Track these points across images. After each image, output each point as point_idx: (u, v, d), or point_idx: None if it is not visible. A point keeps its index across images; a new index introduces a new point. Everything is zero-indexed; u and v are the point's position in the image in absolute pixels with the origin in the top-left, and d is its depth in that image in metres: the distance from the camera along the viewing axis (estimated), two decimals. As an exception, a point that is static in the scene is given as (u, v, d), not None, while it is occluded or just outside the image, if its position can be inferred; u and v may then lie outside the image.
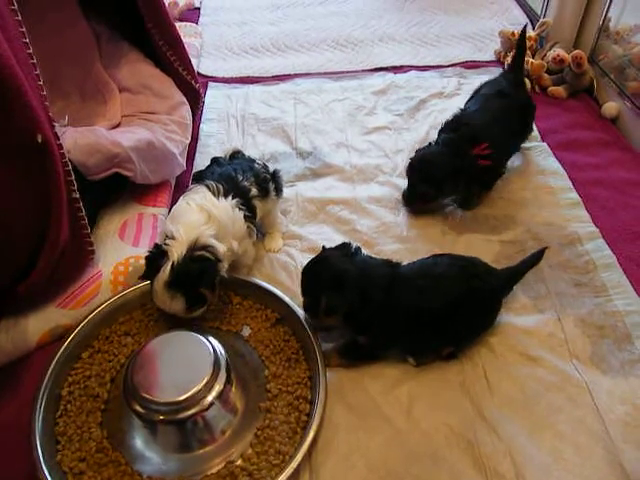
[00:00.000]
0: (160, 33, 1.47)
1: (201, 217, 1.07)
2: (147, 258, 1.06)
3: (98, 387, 1.03)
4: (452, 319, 1.02)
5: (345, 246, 1.07)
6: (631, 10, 1.72)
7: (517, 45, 1.54)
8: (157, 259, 1.03)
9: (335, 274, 1.00)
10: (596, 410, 0.99)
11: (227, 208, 1.11)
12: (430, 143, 1.39)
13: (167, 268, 1.00)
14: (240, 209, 1.14)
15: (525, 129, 1.52)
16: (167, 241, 1.04)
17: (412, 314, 1.00)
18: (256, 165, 1.26)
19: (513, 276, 1.12)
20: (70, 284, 1.14)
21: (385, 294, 0.99)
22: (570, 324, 1.13)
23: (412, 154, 1.40)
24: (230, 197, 1.13)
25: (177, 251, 1.02)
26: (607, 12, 1.77)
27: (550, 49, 1.93)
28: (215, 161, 1.27)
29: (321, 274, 1.03)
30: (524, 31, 1.52)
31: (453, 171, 1.31)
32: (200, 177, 1.20)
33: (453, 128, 1.37)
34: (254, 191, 1.19)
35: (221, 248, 1.05)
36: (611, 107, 1.71)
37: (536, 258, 1.13)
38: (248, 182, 1.19)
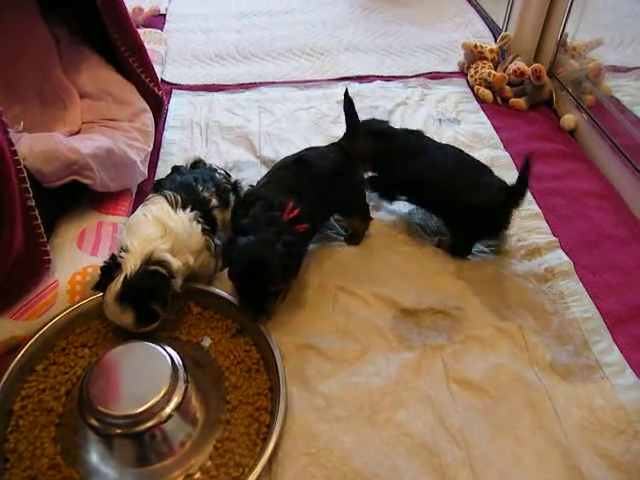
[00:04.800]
0: (122, 39, 1.44)
1: (157, 230, 1.06)
2: (102, 269, 1.05)
3: (53, 401, 0.99)
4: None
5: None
6: (585, 27, 1.79)
7: (346, 113, 1.26)
8: (111, 271, 1.02)
9: None
10: (555, 415, 1.01)
11: (184, 221, 1.10)
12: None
13: (119, 280, 0.99)
14: (198, 222, 1.12)
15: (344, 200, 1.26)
16: (121, 254, 1.02)
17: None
18: (217, 175, 1.25)
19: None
20: (25, 294, 1.11)
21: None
22: (530, 332, 1.15)
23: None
24: (189, 209, 1.11)
25: (130, 264, 1.00)
26: (564, 28, 1.83)
27: (511, 62, 1.97)
28: (176, 170, 1.25)
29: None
30: (348, 97, 1.23)
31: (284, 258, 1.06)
32: (160, 186, 1.18)
33: (247, 207, 1.13)
34: (214, 202, 1.18)
35: (175, 264, 1.04)
36: (569, 119, 1.76)
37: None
38: (208, 193, 1.18)
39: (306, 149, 1.29)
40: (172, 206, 1.11)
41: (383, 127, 1.40)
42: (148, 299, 1.01)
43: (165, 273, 1.02)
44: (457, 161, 1.31)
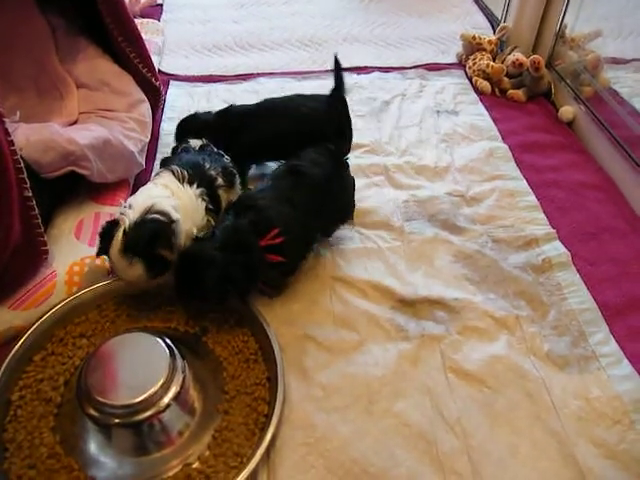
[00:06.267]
0: (119, 28, 1.43)
1: (164, 192, 1.07)
2: (100, 234, 1.03)
3: (51, 390, 0.99)
4: None
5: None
6: (584, 18, 1.78)
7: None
8: (110, 231, 1.01)
9: None
10: (552, 405, 1.01)
11: (191, 195, 1.11)
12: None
13: (119, 235, 0.98)
14: (203, 200, 1.13)
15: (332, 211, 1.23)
16: (122, 210, 1.02)
17: None
18: (224, 159, 1.26)
19: None
20: (23, 285, 1.10)
21: None
22: (528, 323, 1.16)
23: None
24: (195, 185, 1.12)
25: (129, 218, 1.00)
26: (563, 19, 1.82)
27: (510, 53, 1.97)
28: (184, 149, 1.26)
29: None
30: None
31: (226, 276, 1.00)
32: (167, 163, 1.19)
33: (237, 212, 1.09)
34: (220, 181, 1.19)
35: (176, 215, 1.03)
36: (567, 111, 1.76)
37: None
38: (215, 171, 1.19)
39: (295, 157, 1.21)
40: (179, 180, 1.12)
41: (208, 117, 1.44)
42: (153, 244, 0.99)
43: (165, 220, 1.02)
44: (285, 106, 1.45)
